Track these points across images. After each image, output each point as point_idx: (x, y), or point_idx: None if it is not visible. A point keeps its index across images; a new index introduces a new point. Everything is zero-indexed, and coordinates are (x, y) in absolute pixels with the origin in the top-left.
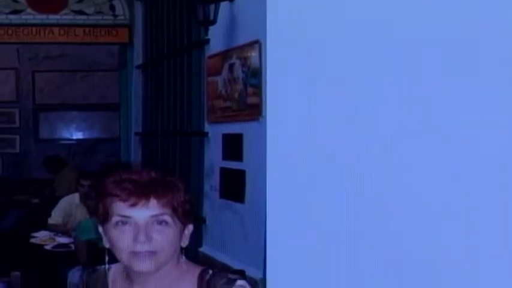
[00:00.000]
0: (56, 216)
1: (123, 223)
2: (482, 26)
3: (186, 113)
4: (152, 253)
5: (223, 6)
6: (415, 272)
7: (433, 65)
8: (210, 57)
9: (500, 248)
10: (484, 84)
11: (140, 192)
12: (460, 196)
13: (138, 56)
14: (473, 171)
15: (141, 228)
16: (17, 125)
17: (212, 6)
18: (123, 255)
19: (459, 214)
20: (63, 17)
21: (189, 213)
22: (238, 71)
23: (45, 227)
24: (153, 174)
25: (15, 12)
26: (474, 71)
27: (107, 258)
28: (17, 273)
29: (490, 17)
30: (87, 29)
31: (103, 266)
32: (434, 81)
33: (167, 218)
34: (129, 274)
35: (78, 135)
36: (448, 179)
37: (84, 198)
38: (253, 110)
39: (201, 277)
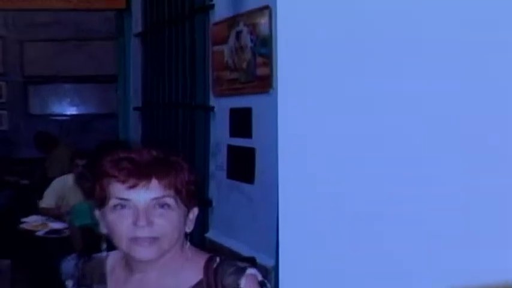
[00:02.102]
0: (48, 200)
1: (122, 206)
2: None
3: (190, 85)
4: (154, 239)
5: None
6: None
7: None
8: (216, 24)
9: None
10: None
11: (140, 173)
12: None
13: (136, 23)
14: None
15: (141, 212)
16: (4, 99)
17: None
18: (122, 242)
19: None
20: None
21: (194, 195)
22: (247, 39)
23: (37, 211)
24: (154, 152)
25: None
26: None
27: (104, 245)
28: (7, 261)
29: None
30: None
31: (100, 254)
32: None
33: (170, 200)
34: (128, 262)
35: (71, 111)
36: (463, 176)
37: (78, 180)
38: (263, 82)
39: (207, 265)
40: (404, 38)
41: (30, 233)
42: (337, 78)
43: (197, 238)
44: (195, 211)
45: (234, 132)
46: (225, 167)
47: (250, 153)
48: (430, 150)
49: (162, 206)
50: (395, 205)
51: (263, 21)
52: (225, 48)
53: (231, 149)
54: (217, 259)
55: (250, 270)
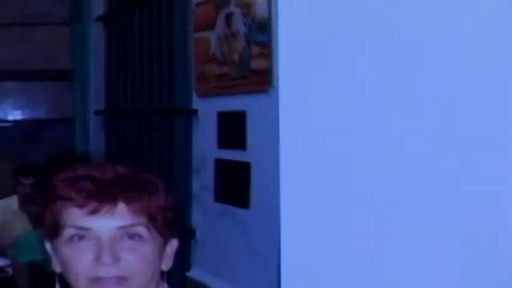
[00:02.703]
0: None
1: (80, 238)
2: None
3: (167, 83)
4: (121, 279)
5: None
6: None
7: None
8: (199, 4)
9: None
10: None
11: (103, 195)
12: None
13: (98, 4)
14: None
15: (104, 244)
16: None
17: None
18: (80, 283)
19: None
20: None
21: (172, 223)
22: (239, 24)
23: None
24: (120, 169)
25: None
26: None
27: (57, 287)
28: None
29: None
30: None
31: None
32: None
33: (142, 230)
34: None
35: (15, 115)
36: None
37: (24, 203)
38: (261, 78)
39: None
40: (413, 34)
41: None
42: (350, 71)
43: (177, 278)
44: (173, 243)
45: (223, 143)
46: (211, 187)
47: (244, 169)
48: (436, 152)
49: (132, 236)
50: (406, 219)
51: (260, 0)
52: (212, 36)
53: (219, 163)
54: None
55: None
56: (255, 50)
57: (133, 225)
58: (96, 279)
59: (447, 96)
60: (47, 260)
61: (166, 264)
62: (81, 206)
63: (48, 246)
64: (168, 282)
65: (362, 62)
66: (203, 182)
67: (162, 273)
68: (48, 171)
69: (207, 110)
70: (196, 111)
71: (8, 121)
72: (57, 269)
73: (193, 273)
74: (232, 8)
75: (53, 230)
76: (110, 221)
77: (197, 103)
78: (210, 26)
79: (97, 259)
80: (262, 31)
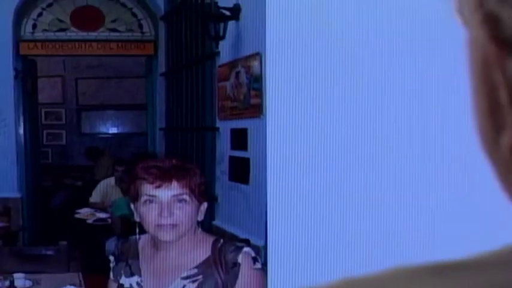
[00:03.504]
0: (95, 196)
1: (150, 201)
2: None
3: (201, 111)
4: (174, 226)
5: (231, 24)
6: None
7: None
8: (220, 66)
9: None
10: None
11: (164, 176)
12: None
13: (161, 66)
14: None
15: (164, 205)
16: (63, 122)
17: (221, 25)
18: (150, 228)
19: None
20: (100, 34)
21: (204, 193)
22: (243, 78)
23: (87, 205)
24: (174, 161)
25: (61, 30)
26: None
27: (137, 230)
28: (64, 242)
29: None
30: (120, 44)
31: (134, 237)
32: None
33: (186, 197)
34: (155, 243)
35: (113, 130)
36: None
37: (118, 181)
38: (256, 109)
39: (214, 245)
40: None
41: (82, 221)
42: (311, 106)
43: (206, 225)
44: (204, 205)
45: (234, 147)
46: (227, 172)
47: (246, 162)
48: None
49: (180, 201)
50: (374, 205)
51: (256, 63)
52: (227, 84)
53: (231, 159)
54: (221, 240)
55: (246, 249)
56: (253, 93)
57: (181, 194)
58: (159, 226)
59: (447, 93)
60: (131, 214)
61: (200, 217)
62: (151, 183)
63: (132, 206)
64: (201, 227)
65: (323, 101)
66: (222, 169)
67: (197, 222)
68: (132, 163)
69: (225, 128)
70: (218, 128)
71: (108, 134)
72: (137, 219)
73: (216, 222)
74: (239, 68)
75: (135, 197)
76: (168, 192)
77: (219, 124)
78: (227, 78)
79: (160, 214)
80: (257, 82)
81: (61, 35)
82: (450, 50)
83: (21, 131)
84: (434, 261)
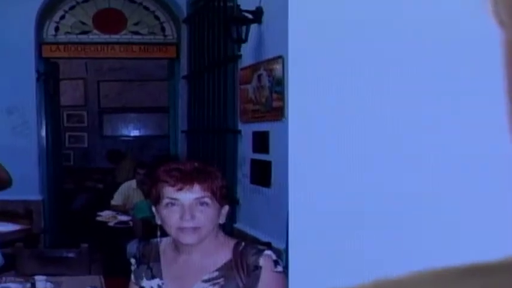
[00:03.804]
0: (117, 199)
1: (172, 204)
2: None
3: (223, 114)
4: (195, 229)
5: (253, 27)
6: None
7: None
8: (242, 69)
9: None
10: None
11: (186, 179)
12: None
13: (183, 68)
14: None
15: (186, 208)
16: (85, 124)
17: (244, 27)
18: (171, 230)
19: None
20: (123, 36)
21: (225, 196)
22: (265, 81)
23: (109, 207)
24: (196, 164)
25: (84, 32)
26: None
27: (158, 233)
28: (86, 245)
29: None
30: (142, 46)
31: (155, 239)
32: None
33: (207, 200)
34: (176, 245)
35: (135, 133)
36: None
37: (140, 184)
38: (278, 112)
39: (235, 248)
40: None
41: (104, 223)
42: (334, 109)
43: (227, 228)
44: (226, 208)
45: (255, 149)
46: (248, 175)
47: (267, 165)
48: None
49: (202, 204)
50: (392, 194)
51: (278, 67)
52: (249, 87)
53: (253, 162)
54: (243, 243)
55: (267, 252)
56: (275, 96)
57: (203, 197)
58: (181, 228)
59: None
60: (153, 217)
61: (222, 220)
62: (173, 186)
63: (153, 209)
64: (222, 230)
65: (346, 105)
66: (244, 172)
67: (219, 225)
68: (154, 165)
69: (247, 131)
70: (240, 131)
71: (130, 136)
72: (159, 222)
73: (237, 225)
74: (262, 71)
75: (156, 199)
76: (189, 195)
77: (241, 126)
78: (249, 81)
79: (181, 217)
80: (279, 85)
81: (83, 37)
82: (485, 49)
83: (43, 133)
84: (465, 264)
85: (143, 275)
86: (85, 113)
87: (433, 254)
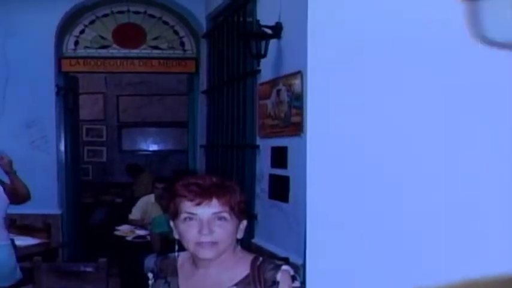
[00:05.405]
0: (135, 213)
1: (190, 219)
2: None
3: (242, 129)
4: (214, 243)
5: (272, 42)
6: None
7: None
8: (261, 84)
9: None
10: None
11: (204, 194)
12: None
13: (203, 83)
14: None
15: (204, 223)
16: (104, 139)
17: (263, 43)
18: (189, 245)
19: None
20: (142, 51)
21: (244, 210)
22: (284, 96)
23: (127, 221)
24: (214, 179)
25: (103, 47)
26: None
27: (176, 248)
28: (104, 259)
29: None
30: (161, 61)
31: (173, 254)
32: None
33: (226, 214)
34: (194, 260)
35: (153, 147)
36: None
37: (158, 198)
38: (296, 127)
39: (253, 263)
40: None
41: (122, 238)
42: (356, 127)
43: (245, 243)
44: (244, 223)
45: (274, 164)
46: (267, 190)
47: (286, 180)
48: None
49: (220, 218)
50: (417, 226)
51: (297, 82)
52: (268, 102)
53: (271, 177)
54: (260, 258)
55: (285, 267)
56: (293, 111)
57: (221, 212)
58: (199, 243)
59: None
60: (171, 231)
61: (240, 235)
62: (191, 200)
63: (171, 223)
64: (240, 245)
65: (363, 121)
66: (262, 187)
67: (237, 240)
68: (172, 180)
69: (265, 146)
70: (258, 146)
71: (149, 151)
72: (177, 236)
73: (255, 240)
74: (281, 86)
75: (175, 214)
76: (208, 209)
77: (259, 141)
78: (268, 96)
79: (200, 231)
80: (297, 100)
81: (103, 52)
82: None
83: (62, 147)
84: (506, 275)
85: None
86: (104, 127)
87: (454, 267)
